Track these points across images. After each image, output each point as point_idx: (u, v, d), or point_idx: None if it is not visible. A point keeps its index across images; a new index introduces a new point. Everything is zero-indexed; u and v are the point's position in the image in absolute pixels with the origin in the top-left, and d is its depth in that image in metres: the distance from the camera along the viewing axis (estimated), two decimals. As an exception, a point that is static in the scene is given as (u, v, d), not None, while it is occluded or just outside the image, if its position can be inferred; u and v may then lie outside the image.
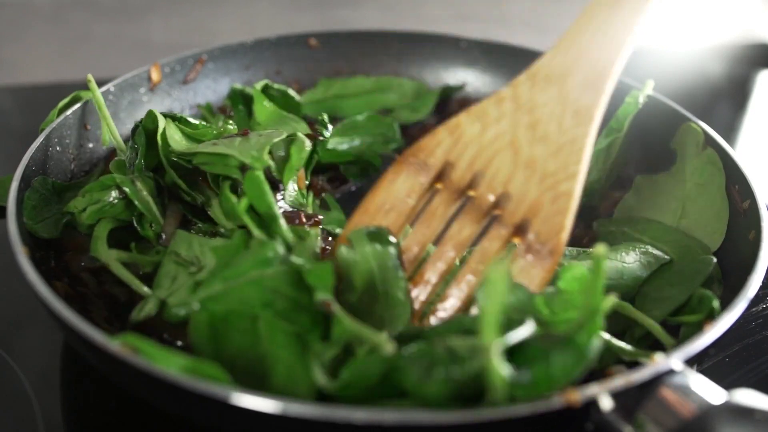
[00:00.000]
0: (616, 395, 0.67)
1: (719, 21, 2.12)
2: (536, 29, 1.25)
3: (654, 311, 0.86)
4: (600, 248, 0.63)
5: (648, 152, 1.14)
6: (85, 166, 1.11)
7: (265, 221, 0.81)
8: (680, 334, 0.86)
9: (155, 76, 1.24)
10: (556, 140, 0.81)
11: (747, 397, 0.65)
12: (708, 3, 2.21)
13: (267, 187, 0.81)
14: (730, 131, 1.55)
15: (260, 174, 0.81)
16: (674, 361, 0.70)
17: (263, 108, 1.14)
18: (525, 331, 0.67)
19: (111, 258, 0.91)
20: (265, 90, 1.18)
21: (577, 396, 0.65)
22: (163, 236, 0.95)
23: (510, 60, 1.36)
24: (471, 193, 0.84)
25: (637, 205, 1.08)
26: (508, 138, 0.82)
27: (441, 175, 0.86)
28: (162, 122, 0.97)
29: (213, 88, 1.31)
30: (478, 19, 1.20)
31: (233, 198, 0.84)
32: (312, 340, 0.71)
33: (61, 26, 1.93)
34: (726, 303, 0.81)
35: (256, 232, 0.80)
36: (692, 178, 1.06)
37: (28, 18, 1.96)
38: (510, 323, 0.67)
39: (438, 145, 0.85)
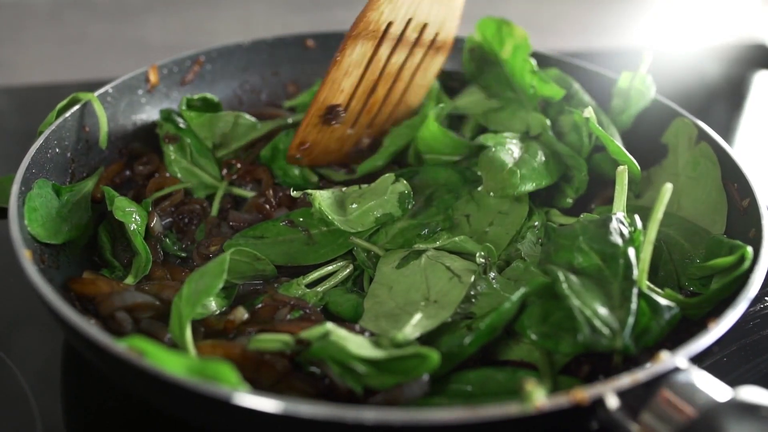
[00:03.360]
0: (622, 394, 0.68)
1: (717, 22, 2.13)
2: (535, 29, 1.25)
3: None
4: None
5: (637, 147, 1.14)
6: (85, 167, 1.11)
7: None
8: (711, 285, 0.87)
9: (153, 77, 1.24)
10: None
11: (752, 394, 0.65)
12: (706, 3, 2.22)
13: None
14: (727, 131, 1.56)
15: None
16: (679, 359, 0.71)
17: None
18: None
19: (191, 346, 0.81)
20: (189, 104, 1.19)
21: (585, 394, 0.66)
22: None
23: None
24: (405, 34, 1.12)
25: (631, 200, 1.08)
26: None
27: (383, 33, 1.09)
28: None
29: (210, 90, 1.30)
30: (474, 20, 1.20)
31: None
32: None
33: (58, 27, 1.92)
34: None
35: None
36: (685, 171, 1.07)
37: (25, 19, 1.95)
38: None
39: (380, 15, 1.05)
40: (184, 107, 1.18)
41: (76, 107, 1.08)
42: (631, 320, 0.77)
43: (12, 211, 0.88)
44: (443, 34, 1.17)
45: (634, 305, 0.78)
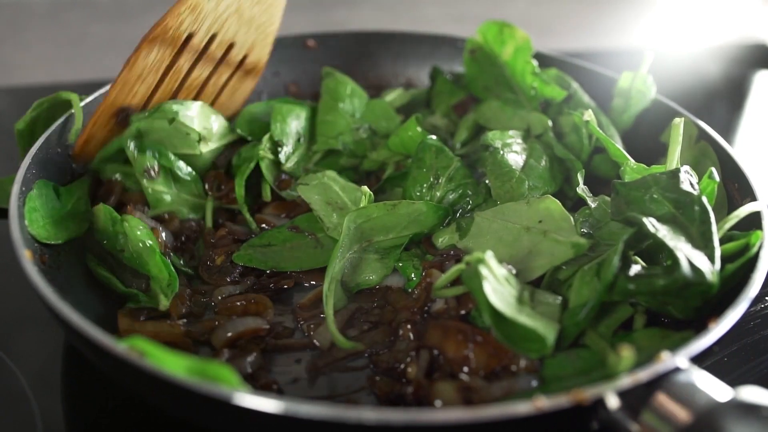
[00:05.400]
0: (623, 393, 0.67)
1: (717, 22, 2.14)
2: (535, 29, 1.25)
3: None
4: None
5: (638, 147, 1.15)
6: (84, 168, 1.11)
7: None
8: (723, 269, 0.88)
9: (152, 78, 1.23)
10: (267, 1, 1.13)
11: (753, 393, 0.65)
12: (706, 3, 2.23)
13: None
14: (727, 131, 1.56)
15: None
16: (680, 359, 0.70)
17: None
18: None
19: None
20: None
21: (586, 394, 0.66)
22: None
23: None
24: (208, 49, 1.11)
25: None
26: (235, 6, 1.08)
27: (183, 43, 1.07)
28: None
29: (211, 90, 1.30)
30: (475, 20, 1.20)
31: None
32: None
33: (58, 27, 1.92)
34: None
35: None
36: None
37: (25, 19, 1.95)
38: None
39: (180, 24, 1.03)
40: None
41: (80, 106, 1.08)
42: (717, 257, 0.81)
43: (12, 212, 0.88)
44: (253, 58, 1.18)
45: (717, 245, 0.83)
